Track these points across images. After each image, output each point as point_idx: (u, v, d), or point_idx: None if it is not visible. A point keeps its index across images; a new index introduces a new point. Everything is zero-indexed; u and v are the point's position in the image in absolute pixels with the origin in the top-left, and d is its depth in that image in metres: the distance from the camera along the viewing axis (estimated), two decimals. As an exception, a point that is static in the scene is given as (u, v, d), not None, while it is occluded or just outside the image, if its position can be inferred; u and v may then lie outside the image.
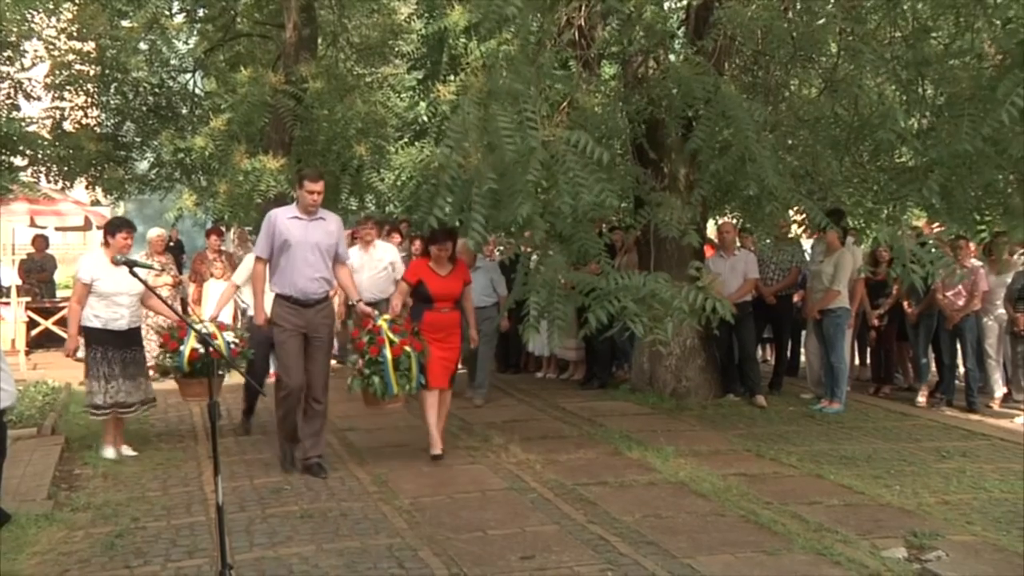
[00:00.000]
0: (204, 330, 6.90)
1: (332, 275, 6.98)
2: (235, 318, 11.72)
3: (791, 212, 9.78)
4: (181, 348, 7.19)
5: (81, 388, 10.41)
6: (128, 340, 7.45)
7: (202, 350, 6.92)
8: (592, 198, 6.82)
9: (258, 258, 6.96)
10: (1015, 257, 9.49)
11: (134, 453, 7.68)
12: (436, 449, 7.40)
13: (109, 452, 7.56)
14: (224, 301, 8.54)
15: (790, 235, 11.13)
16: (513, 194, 6.90)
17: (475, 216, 6.94)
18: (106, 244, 7.44)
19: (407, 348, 6.85)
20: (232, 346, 7.33)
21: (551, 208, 7.16)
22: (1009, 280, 9.56)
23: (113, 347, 7.32)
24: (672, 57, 9.42)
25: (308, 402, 6.97)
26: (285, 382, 6.91)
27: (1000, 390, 9.94)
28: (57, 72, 15.27)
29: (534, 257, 8.38)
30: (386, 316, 7.03)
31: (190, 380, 7.31)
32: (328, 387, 7.10)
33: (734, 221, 11.50)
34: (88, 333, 7.34)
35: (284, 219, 6.84)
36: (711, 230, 12.89)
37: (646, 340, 7.41)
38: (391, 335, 6.83)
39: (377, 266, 10.44)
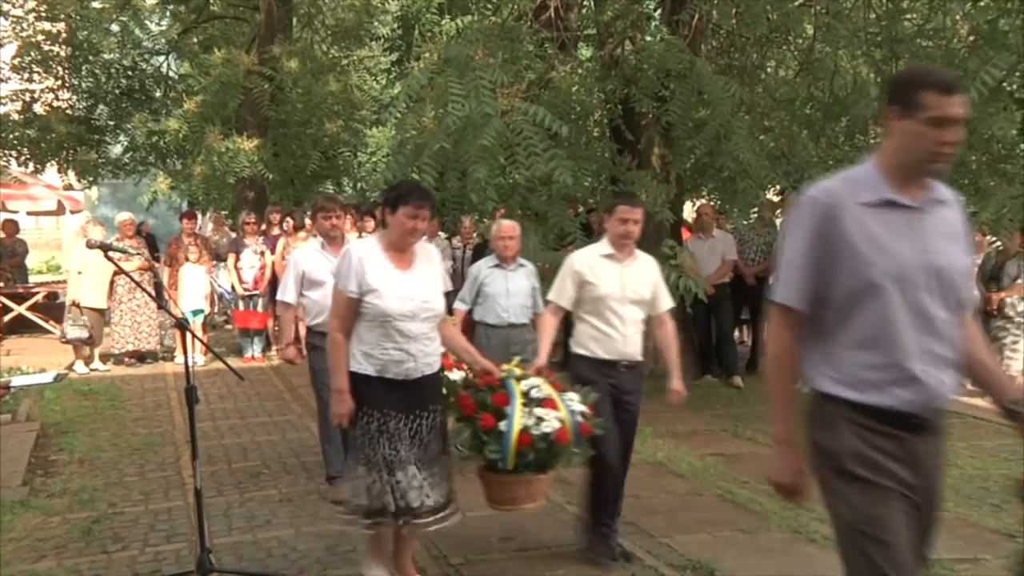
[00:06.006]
0: (537, 391, 4.31)
1: None
2: (211, 303, 11.71)
3: (768, 193, 9.85)
4: (502, 426, 4.16)
5: (72, 374, 10.35)
6: (421, 397, 4.23)
7: (539, 431, 4.14)
8: (545, 170, 6.85)
9: (786, 309, 2.82)
10: (987, 237, 9.57)
11: None
12: None
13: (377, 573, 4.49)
14: (548, 341, 4.99)
15: (775, 218, 11.20)
16: (468, 160, 6.93)
17: (425, 179, 6.94)
18: (375, 224, 4.68)
19: None
20: (581, 419, 4.33)
21: (514, 183, 7.13)
22: (980, 260, 9.65)
23: (397, 409, 4.15)
24: (648, 39, 9.44)
25: None
26: None
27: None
28: (25, 53, 15.09)
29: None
30: None
31: (505, 478, 4.29)
32: None
33: (712, 204, 11.55)
34: (357, 385, 4.18)
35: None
36: (687, 213, 12.94)
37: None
38: None
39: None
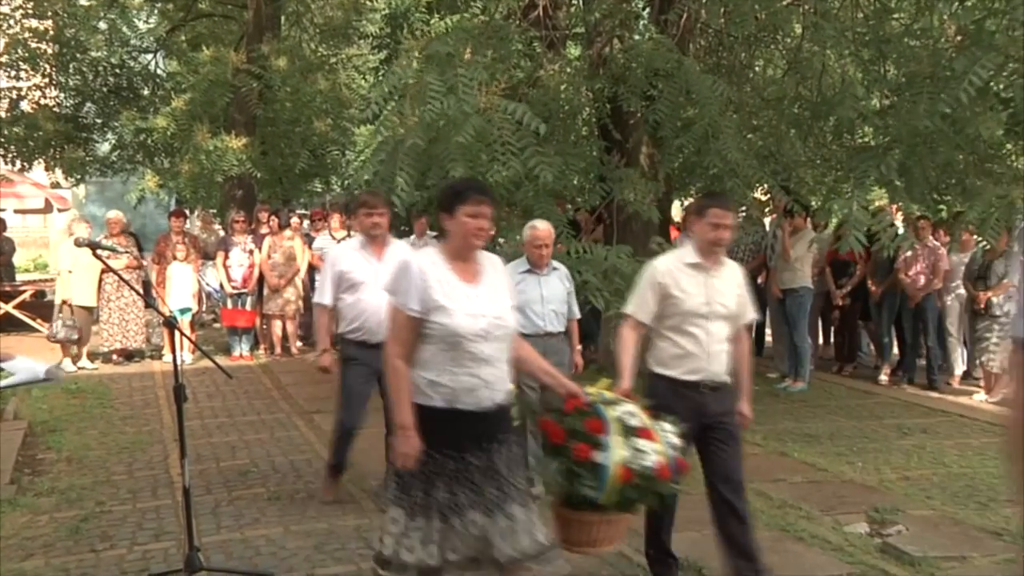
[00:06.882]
0: (634, 419, 3.74)
1: None
2: (199, 301, 11.67)
3: (756, 192, 9.89)
4: (598, 458, 3.59)
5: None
6: (492, 428, 3.60)
7: (639, 464, 3.59)
8: (520, 169, 6.85)
9: None
10: (973, 237, 9.63)
11: None
12: None
13: None
14: (629, 361, 4.37)
15: (764, 217, 11.25)
16: (446, 157, 6.93)
17: (400, 174, 6.93)
18: (439, 230, 3.95)
19: None
20: (676, 453, 3.82)
21: (496, 181, 7.07)
22: (967, 259, 9.70)
23: (460, 448, 3.52)
24: (636, 38, 9.46)
25: None
26: None
27: (960, 368, 10.11)
28: (12, 51, 15.04)
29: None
30: None
31: (588, 517, 3.73)
32: None
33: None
34: (422, 420, 3.51)
35: None
36: (676, 213, 12.99)
37: (609, 314, 7.45)
38: None
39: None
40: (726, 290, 4.33)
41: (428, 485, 3.48)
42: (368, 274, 5.48)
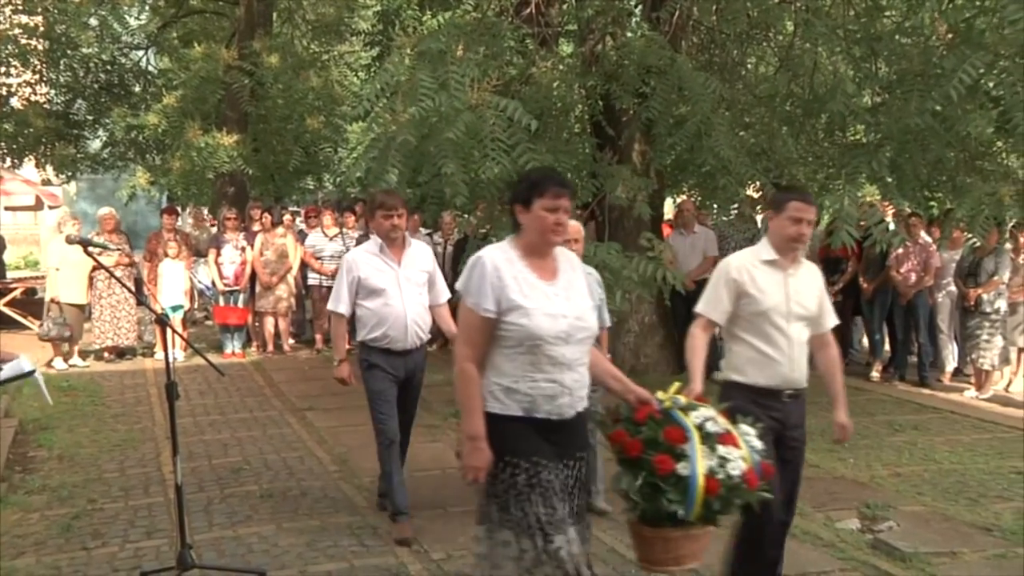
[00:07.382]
0: (713, 425, 3.43)
1: None
2: (191, 298, 11.66)
3: (749, 190, 9.90)
4: (682, 470, 3.30)
5: (51, 371, 10.26)
6: (573, 441, 3.40)
7: (726, 473, 3.32)
8: (509, 167, 6.85)
9: None
10: (963, 234, 9.67)
11: None
12: None
13: None
14: (700, 362, 4.15)
15: (755, 214, 11.26)
16: (438, 154, 6.95)
17: (392, 171, 6.93)
18: (517, 223, 3.36)
19: None
20: (760, 457, 3.52)
21: (488, 178, 7.05)
22: (958, 257, 9.74)
23: (548, 457, 3.29)
24: (629, 35, 9.47)
25: None
26: None
27: (951, 365, 10.15)
28: (1, 47, 14.99)
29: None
30: None
31: (670, 534, 3.41)
32: None
33: (693, 200, 11.60)
34: (495, 429, 3.28)
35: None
36: (668, 210, 13.00)
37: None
38: None
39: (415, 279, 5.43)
40: (805, 290, 4.09)
41: (524, 501, 3.22)
42: (389, 280, 5.26)
